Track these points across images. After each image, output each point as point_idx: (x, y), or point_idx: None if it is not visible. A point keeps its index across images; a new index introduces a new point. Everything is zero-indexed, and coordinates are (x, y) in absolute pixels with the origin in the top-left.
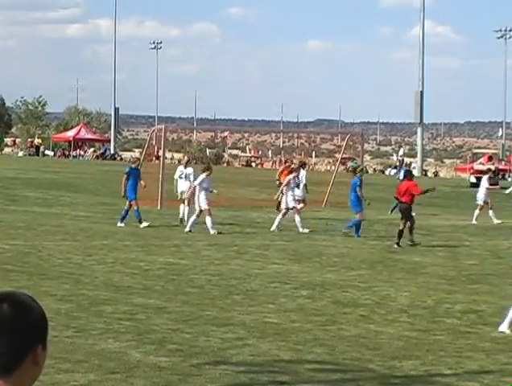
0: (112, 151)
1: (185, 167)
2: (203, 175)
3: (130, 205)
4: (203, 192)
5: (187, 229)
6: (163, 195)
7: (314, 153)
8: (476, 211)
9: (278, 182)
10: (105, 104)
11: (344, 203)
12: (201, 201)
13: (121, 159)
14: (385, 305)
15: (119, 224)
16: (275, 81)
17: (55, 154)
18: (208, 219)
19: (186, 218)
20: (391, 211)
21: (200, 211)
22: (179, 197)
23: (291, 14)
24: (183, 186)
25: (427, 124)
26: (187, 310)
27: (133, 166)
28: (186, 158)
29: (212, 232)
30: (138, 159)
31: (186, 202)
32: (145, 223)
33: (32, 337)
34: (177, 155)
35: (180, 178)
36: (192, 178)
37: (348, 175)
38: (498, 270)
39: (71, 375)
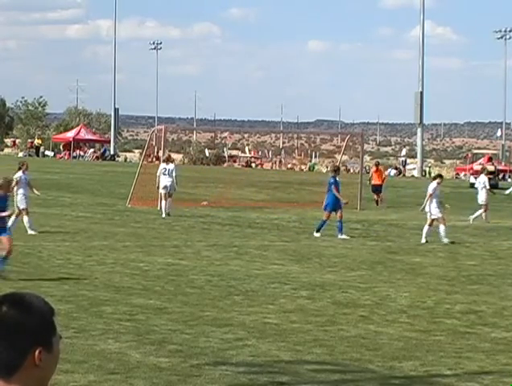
0: (112, 152)
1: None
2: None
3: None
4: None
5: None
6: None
7: (314, 153)
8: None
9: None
10: (105, 105)
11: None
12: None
13: (120, 160)
14: (385, 305)
15: (341, 237)
16: (275, 82)
17: (55, 155)
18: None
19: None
20: None
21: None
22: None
23: (291, 14)
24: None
25: (426, 124)
26: (187, 310)
27: (332, 174)
28: (166, 154)
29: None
30: (339, 168)
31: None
32: (317, 234)
33: (30, 339)
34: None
35: (163, 174)
36: (174, 173)
37: (348, 176)
38: (498, 271)
39: (71, 376)
